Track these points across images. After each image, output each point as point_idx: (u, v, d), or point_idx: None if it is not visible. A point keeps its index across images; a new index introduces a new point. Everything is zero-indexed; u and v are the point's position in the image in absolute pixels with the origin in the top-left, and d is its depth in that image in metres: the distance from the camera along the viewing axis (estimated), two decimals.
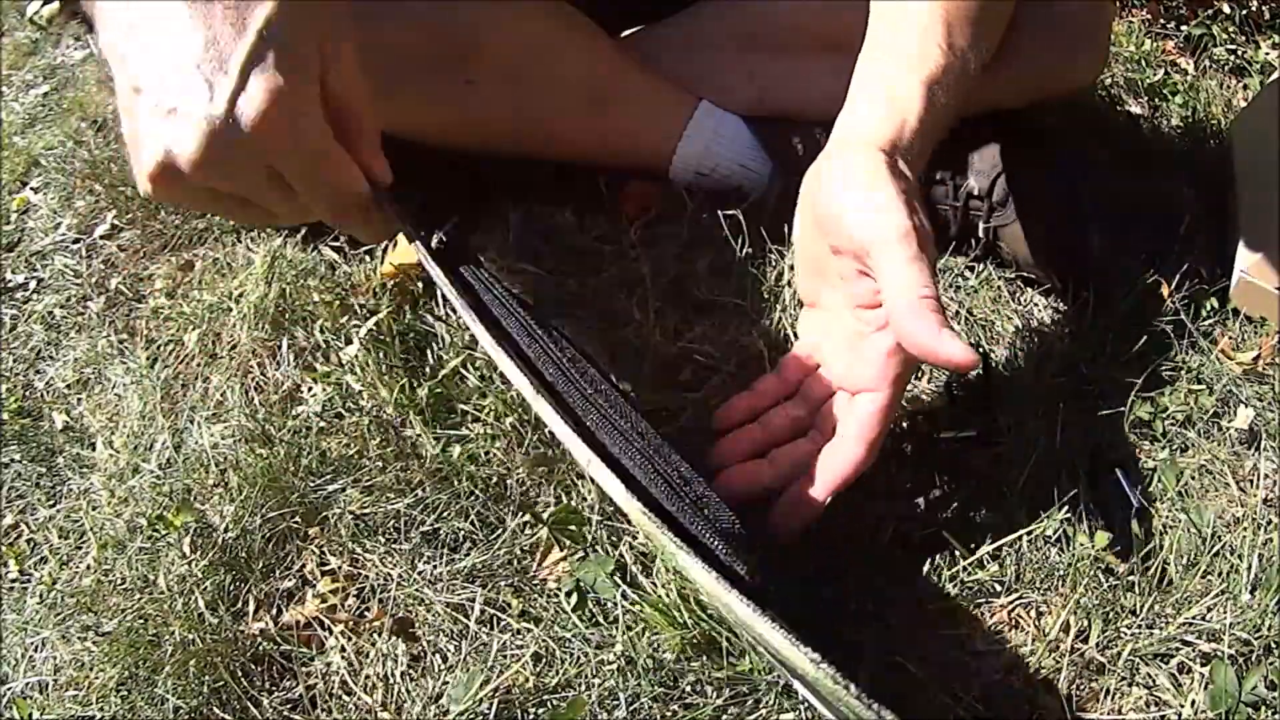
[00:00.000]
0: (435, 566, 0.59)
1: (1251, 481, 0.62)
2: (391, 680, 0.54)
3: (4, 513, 0.67)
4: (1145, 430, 0.64)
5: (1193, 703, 0.50)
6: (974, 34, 0.59)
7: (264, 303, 0.74)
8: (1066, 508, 0.58)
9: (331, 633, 0.56)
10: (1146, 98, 0.99)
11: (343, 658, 0.55)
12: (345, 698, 0.54)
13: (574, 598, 0.56)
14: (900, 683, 0.51)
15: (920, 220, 0.52)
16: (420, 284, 0.75)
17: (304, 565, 0.60)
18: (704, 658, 0.52)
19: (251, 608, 0.58)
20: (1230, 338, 0.71)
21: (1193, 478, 0.62)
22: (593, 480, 0.50)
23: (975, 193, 0.73)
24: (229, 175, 0.44)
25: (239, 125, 0.43)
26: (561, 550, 0.59)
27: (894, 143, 0.55)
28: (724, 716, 0.51)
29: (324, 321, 0.72)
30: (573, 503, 0.60)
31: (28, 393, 0.77)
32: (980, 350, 0.68)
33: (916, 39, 0.58)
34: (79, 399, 0.75)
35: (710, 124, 0.79)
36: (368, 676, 0.54)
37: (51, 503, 0.67)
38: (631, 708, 0.50)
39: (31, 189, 1.00)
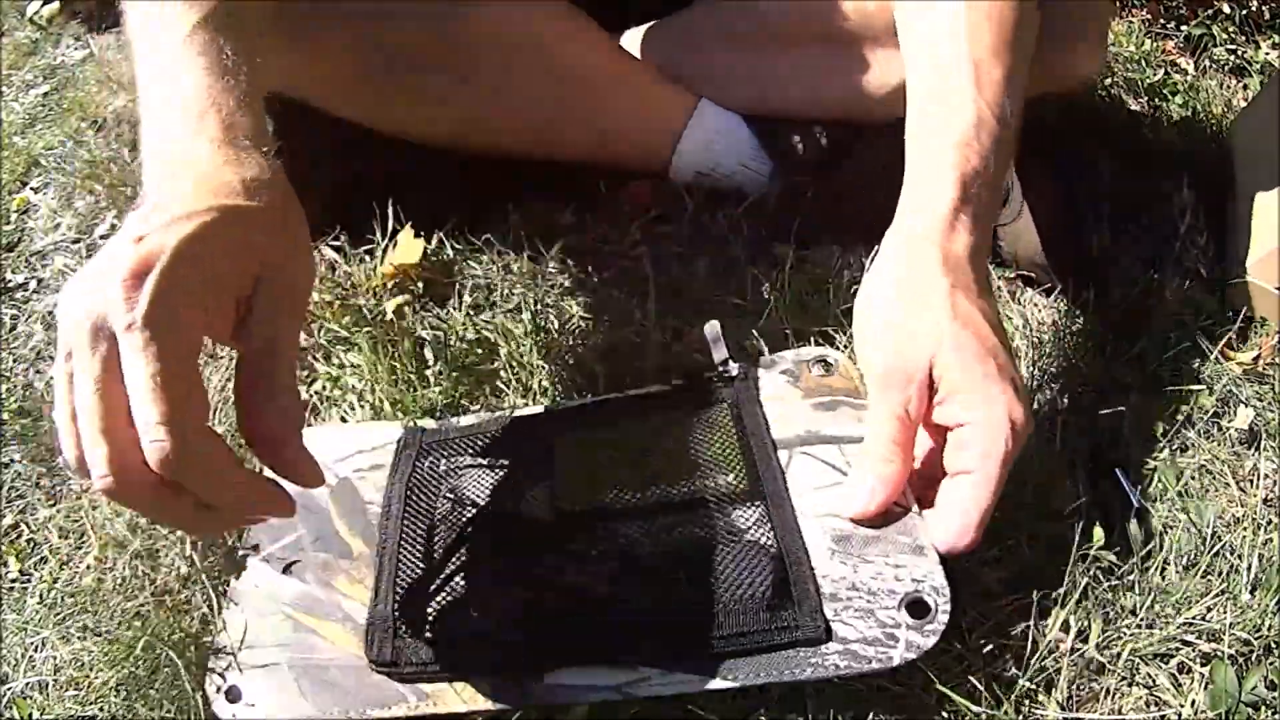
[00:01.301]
0: None
1: (1251, 481, 0.62)
2: None
3: (4, 513, 0.67)
4: (1145, 430, 0.64)
5: (1193, 703, 0.50)
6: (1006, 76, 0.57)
7: None
8: (1066, 508, 0.58)
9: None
10: (1146, 98, 0.99)
11: None
12: None
13: None
14: (899, 682, 0.51)
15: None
16: (421, 284, 0.75)
17: None
18: None
19: None
20: (1230, 338, 0.71)
21: (1193, 478, 0.62)
22: None
23: None
24: None
25: None
26: None
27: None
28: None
29: (324, 322, 0.72)
30: None
31: (28, 393, 0.77)
32: None
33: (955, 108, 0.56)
34: None
35: (710, 123, 0.79)
36: None
37: (51, 503, 0.67)
38: (632, 710, 0.50)
39: (31, 189, 1.00)
